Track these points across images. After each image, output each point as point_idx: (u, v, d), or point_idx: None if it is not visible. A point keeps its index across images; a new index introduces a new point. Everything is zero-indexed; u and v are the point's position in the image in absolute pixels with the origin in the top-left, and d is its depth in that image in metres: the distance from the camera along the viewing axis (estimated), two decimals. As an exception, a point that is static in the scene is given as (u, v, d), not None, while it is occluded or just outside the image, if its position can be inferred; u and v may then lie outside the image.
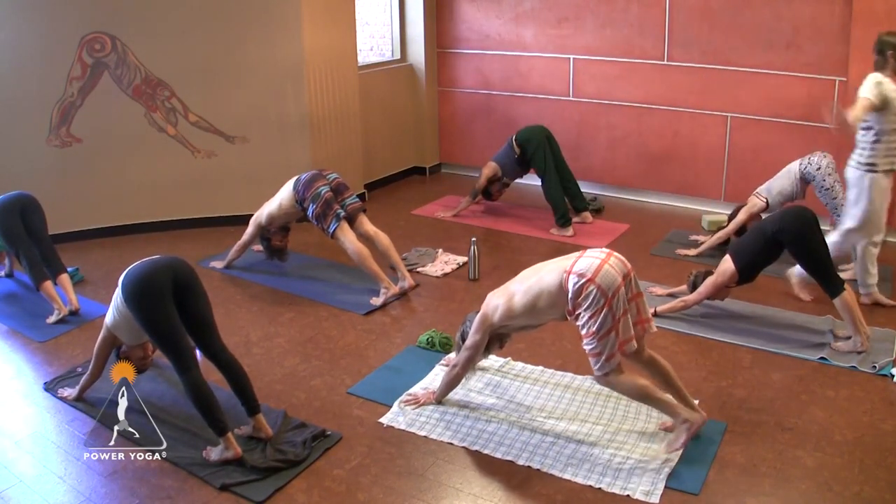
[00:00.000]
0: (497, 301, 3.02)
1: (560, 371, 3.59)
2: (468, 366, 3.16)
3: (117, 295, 2.99)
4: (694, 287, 4.06)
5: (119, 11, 5.16)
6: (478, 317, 3.07)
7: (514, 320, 3.00)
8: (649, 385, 2.88)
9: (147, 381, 3.46)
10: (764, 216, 4.65)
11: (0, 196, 4.25)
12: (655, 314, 4.02)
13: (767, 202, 4.73)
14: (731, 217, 5.00)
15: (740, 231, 4.80)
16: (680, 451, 2.88)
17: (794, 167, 4.64)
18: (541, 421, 3.17)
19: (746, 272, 3.85)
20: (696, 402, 3.09)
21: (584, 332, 2.81)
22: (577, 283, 2.78)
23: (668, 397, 2.92)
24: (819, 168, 4.47)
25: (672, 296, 4.29)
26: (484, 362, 3.49)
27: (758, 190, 4.81)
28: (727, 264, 3.87)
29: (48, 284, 4.15)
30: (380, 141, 6.74)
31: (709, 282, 3.92)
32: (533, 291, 2.91)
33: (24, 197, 4.27)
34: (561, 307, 2.87)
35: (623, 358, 2.84)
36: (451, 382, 3.25)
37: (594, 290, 2.74)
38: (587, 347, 2.82)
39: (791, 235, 3.70)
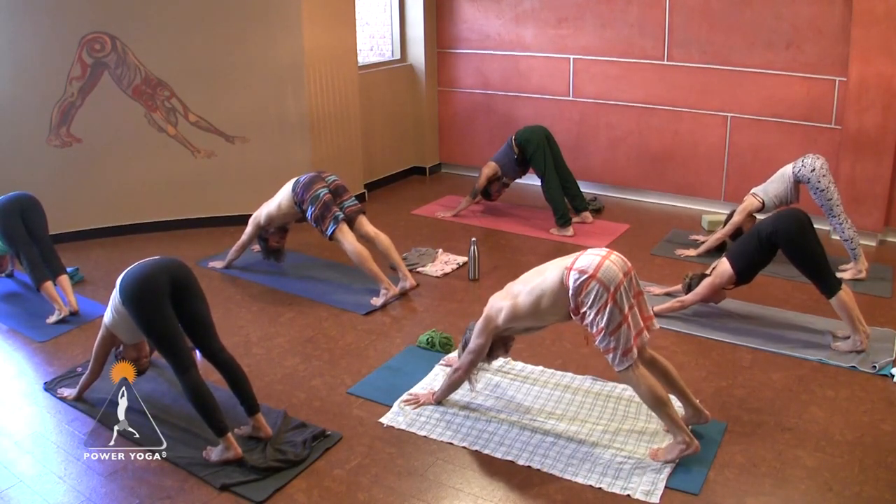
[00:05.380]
0: (500, 303, 3.00)
1: (560, 371, 3.59)
2: (470, 369, 3.15)
3: (115, 296, 2.99)
4: (689, 289, 4.07)
5: (119, 11, 5.16)
6: (481, 320, 3.06)
7: (518, 322, 2.99)
8: (667, 397, 2.85)
9: (147, 381, 3.46)
10: (759, 217, 4.66)
11: (0, 196, 4.25)
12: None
13: (763, 203, 4.73)
14: (728, 218, 5.01)
15: (737, 232, 4.80)
16: (670, 463, 2.87)
17: (787, 171, 4.63)
18: (541, 421, 3.17)
19: (744, 274, 3.86)
20: (697, 401, 3.08)
21: (593, 330, 2.80)
22: (577, 279, 2.78)
23: (678, 415, 2.90)
24: (813, 170, 4.47)
25: (669, 295, 4.30)
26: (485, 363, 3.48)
27: (754, 190, 4.81)
28: (724, 266, 3.87)
29: (49, 285, 4.15)
30: (380, 141, 6.74)
31: (706, 283, 3.93)
32: (536, 291, 2.91)
33: (24, 197, 4.27)
34: (563, 306, 2.87)
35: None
36: (453, 385, 3.25)
37: (596, 286, 2.74)
38: (600, 345, 2.80)
39: (785, 237, 3.70)
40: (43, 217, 4.30)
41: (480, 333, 3.05)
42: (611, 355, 2.80)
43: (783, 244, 3.72)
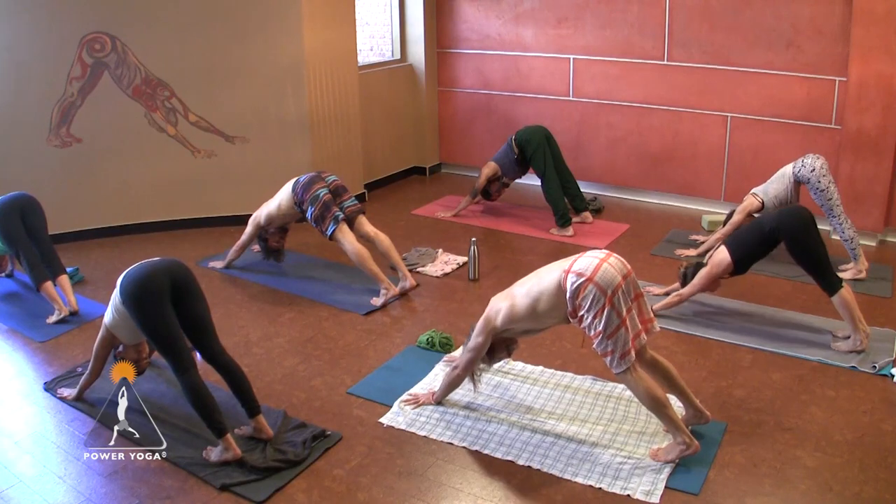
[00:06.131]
0: (500, 304, 3.00)
1: (560, 371, 3.59)
2: (469, 368, 3.15)
3: (115, 296, 2.99)
4: (684, 279, 4.06)
5: (119, 11, 5.16)
6: (481, 320, 3.06)
7: (516, 324, 2.99)
8: (665, 398, 2.85)
9: (147, 381, 3.46)
10: (758, 216, 4.66)
11: (0, 197, 4.25)
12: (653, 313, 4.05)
13: (763, 203, 4.73)
14: (728, 218, 5.00)
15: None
16: (670, 463, 2.87)
17: (787, 171, 4.64)
18: (541, 421, 3.17)
19: (742, 264, 3.84)
20: (697, 402, 3.08)
21: (591, 333, 2.80)
22: (575, 282, 2.77)
23: (677, 416, 2.89)
24: (813, 170, 4.47)
25: (668, 294, 4.29)
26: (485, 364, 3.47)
27: (754, 190, 4.81)
28: (722, 255, 3.85)
29: (49, 285, 4.15)
30: (380, 141, 6.74)
31: (703, 273, 3.91)
32: (534, 293, 2.91)
33: (24, 197, 4.26)
34: (562, 309, 2.87)
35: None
36: (452, 384, 3.25)
37: (593, 290, 2.74)
38: (598, 348, 2.80)
39: (788, 233, 3.70)
40: (42, 217, 4.30)
41: (479, 333, 3.06)
42: (609, 358, 2.80)
43: (786, 240, 3.72)
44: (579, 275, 2.77)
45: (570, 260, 2.89)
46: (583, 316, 2.79)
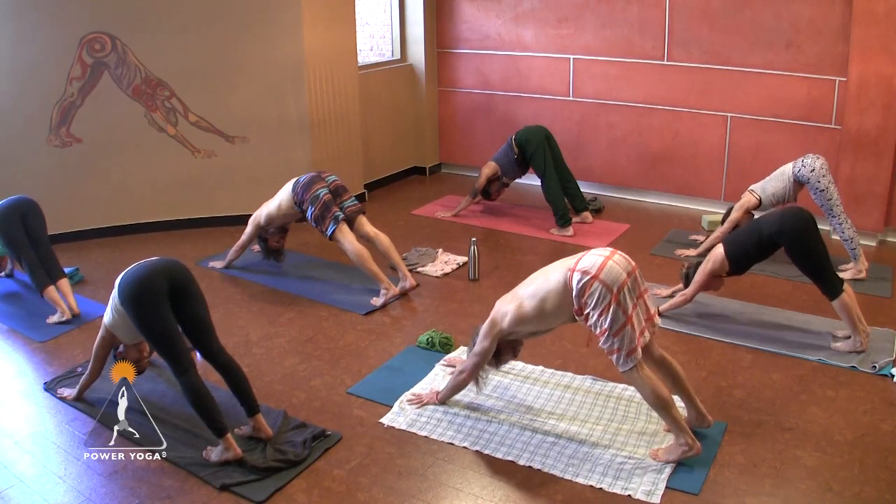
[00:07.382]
0: (506, 307, 3.00)
1: (560, 371, 3.59)
2: (475, 372, 3.15)
3: (114, 296, 2.99)
4: (687, 279, 4.06)
5: (119, 11, 5.16)
6: (486, 323, 3.06)
7: (524, 325, 2.98)
8: (671, 398, 2.84)
9: (147, 381, 3.46)
10: (756, 214, 4.65)
11: (1, 200, 4.24)
12: (659, 314, 4.04)
13: (760, 200, 4.72)
14: (726, 216, 5.00)
15: (735, 229, 4.79)
16: (670, 464, 2.87)
17: (787, 170, 4.63)
18: (541, 421, 3.17)
19: (738, 263, 3.83)
20: (701, 406, 3.07)
21: (596, 331, 2.80)
22: (580, 280, 2.77)
23: (681, 417, 2.89)
24: (813, 170, 4.47)
25: (674, 295, 4.29)
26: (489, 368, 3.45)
27: (752, 187, 4.81)
28: (718, 250, 3.85)
29: (52, 289, 4.13)
30: (380, 141, 6.74)
31: (701, 269, 3.90)
32: (541, 294, 2.90)
33: (24, 201, 4.26)
34: (568, 308, 2.86)
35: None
36: (457, 387, 3.24)
37: (599, 287, 2.74)
38: (604, 346, 2.80)
39: (789, 238, 3.68)
40: (42, 220, 4.30)
41: (486, 337, 3.05)
42: (615, 356, 2.80)
43: (787, 244, 3.70)
44: (585, 273, 2.77)
45: (574, 258, 2.88)
46: (588, 314, 2.79)
